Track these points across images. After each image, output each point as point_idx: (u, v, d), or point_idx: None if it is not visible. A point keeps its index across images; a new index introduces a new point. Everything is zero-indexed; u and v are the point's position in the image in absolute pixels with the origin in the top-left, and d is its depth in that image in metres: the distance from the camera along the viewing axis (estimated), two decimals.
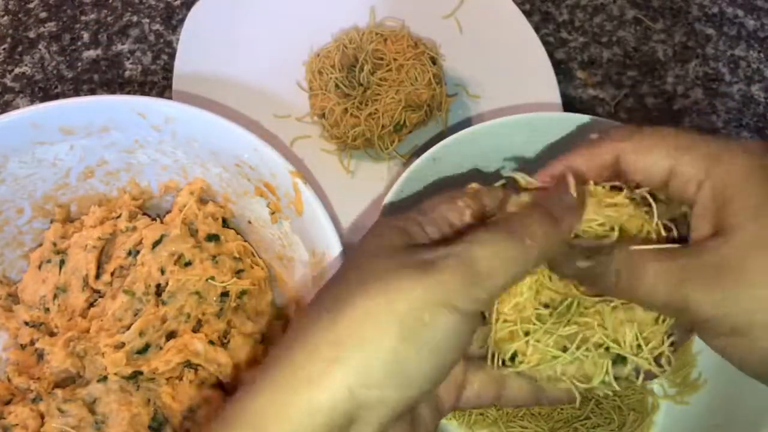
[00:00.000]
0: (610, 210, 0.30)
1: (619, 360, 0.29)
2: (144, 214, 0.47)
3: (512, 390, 0.31)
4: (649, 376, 0.30)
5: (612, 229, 0.29)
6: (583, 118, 0.44)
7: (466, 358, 0.32)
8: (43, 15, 0.61)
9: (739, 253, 0.26)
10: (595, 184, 0.31)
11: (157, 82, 0.58)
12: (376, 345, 0.25)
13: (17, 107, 0.53)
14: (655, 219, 0.30)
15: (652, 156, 0.29)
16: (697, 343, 0.45)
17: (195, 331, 0.42)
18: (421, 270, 0.26)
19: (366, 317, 0.26)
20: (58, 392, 0.40)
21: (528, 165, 0.45)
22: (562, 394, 0.31)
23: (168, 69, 0.58)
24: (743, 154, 0.28)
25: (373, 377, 0.25)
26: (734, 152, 0.28)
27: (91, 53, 0.59)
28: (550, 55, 0.55)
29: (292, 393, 0.25)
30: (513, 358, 0.30)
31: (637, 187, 0.31)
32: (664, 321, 0.29)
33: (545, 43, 0.56)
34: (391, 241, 0.29)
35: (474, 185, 0.32)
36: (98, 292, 0.44)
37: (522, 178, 0.31)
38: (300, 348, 0.26)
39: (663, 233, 0.30)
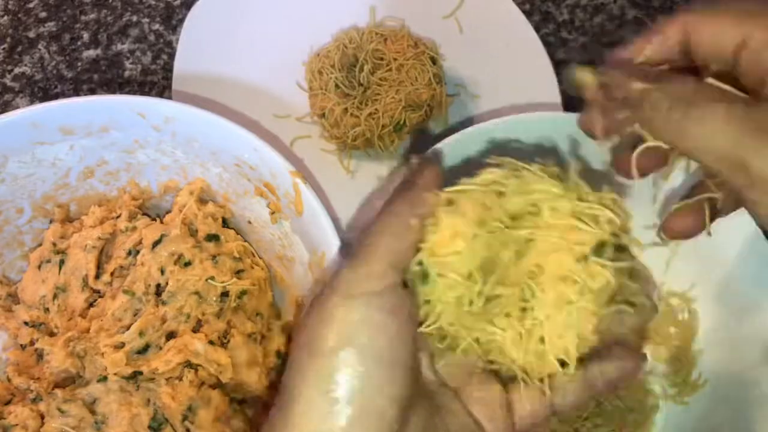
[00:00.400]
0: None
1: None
2: (144, 214, 0.47)
3: (565, 391, 0.30)
4: None
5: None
6: None
7: (503, 379, 0.31)
8: (43, 15, 0.61)
9: None
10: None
11: (157, 82, 0.58)
12: (322, 392, 0.26)
13: (17, 107, 0.53)
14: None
15: (721, 23, 0.26)
16: (696, 343, 0.45)
17: (195, 331, 0.42)
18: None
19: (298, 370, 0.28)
20: (58, 392, 0.40)
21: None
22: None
23: (168, 69, 0.58)
24: None
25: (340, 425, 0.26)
26: None
27: (90, 53, 0.59)
28: (550, 55, 0.55)
29: None
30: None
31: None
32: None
33: (545, 43, 0.56)
34: None
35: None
36: (98, 292, 0.44)
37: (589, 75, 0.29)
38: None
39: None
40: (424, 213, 0.29)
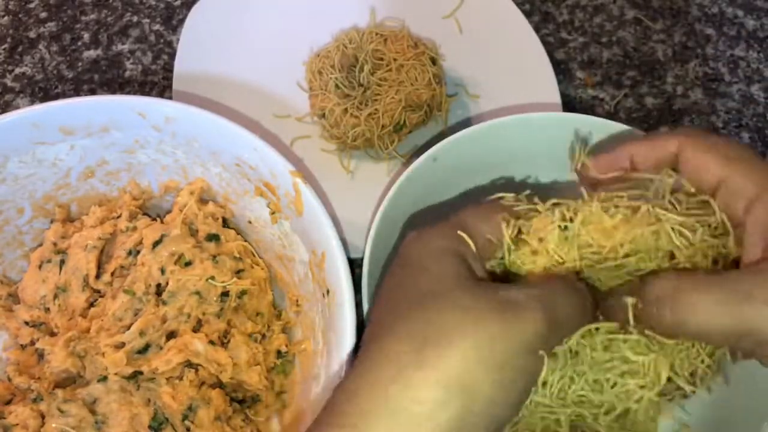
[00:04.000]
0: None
1: None
2: (144, 214, 0.47)
3: None
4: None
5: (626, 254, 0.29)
6: (583, 118, 0.44)
7: None
8: (44, 15, 0.61)
9: None
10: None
11: (157, 82, 0.58)
12: (477, 393, 0.26)
13: (17, 107, 0.53)
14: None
15: (708, 158, 0.29)
16: None
17: (195, 331, 0.42)
18: (508, 313, 0.27)
19: (469, 363, 0.26)
20: (59, 392, 0.40)
21: (528, 165, 0.45)
22: None
23: (168, 69, 0.58)
24: None
25: (470, 424, 0.26)
26: None
27: (91, 53, 0.59)
28: (550, 55, 0.55)
29: None
30: None
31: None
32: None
33: (545, 43, 0.56)
34: (458, 270, 0.29)
35: (508, 198, 0.33)
36: (98, 292, 0.44)
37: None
38: (395, 381, 0.26)
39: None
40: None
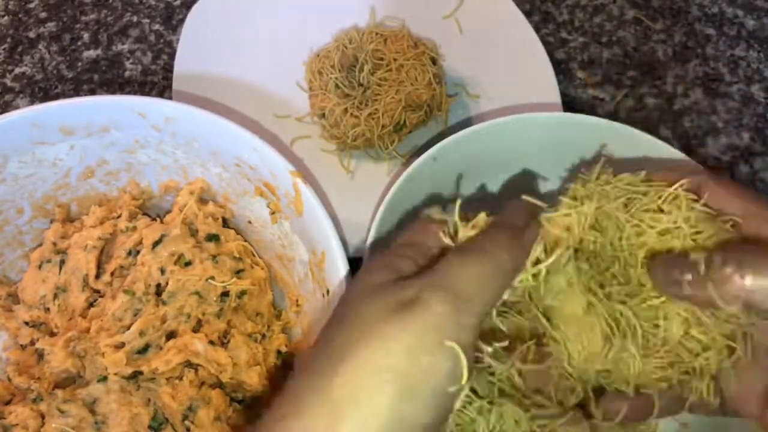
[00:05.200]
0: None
1: None
2: (144, 214, 0.47)
3: None
4: None
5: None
6: (583, 118, 0.44)
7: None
8: (43, 15, 0.61)
9: None
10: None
11: (157, 82, 0.58)
12: (372, 405, 0.25)
13: (17, 107, 0.54)
14: None
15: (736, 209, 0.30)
16: None
17: (195, 331, 0.42)
18: (406, 311, 0.26)
19: (360, 375, 0.25)
20: (58, 392, 0.40)
21: (528, 165, 0.45)
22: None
23: (168, 69, 0.58)
24: None
25: None
26: None
27: (91, 53, 0.59)
28: (550, 55, 0.55)
29: None
30: None
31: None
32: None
33: (545, 43, 0.56)
34: (380, 278, 0.28)
35: (433, 210, 0.32)
36: (98, 292, 0.44)
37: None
38: (296, 416, 0.25)
39: None
40: (521, 264, 0.29)
